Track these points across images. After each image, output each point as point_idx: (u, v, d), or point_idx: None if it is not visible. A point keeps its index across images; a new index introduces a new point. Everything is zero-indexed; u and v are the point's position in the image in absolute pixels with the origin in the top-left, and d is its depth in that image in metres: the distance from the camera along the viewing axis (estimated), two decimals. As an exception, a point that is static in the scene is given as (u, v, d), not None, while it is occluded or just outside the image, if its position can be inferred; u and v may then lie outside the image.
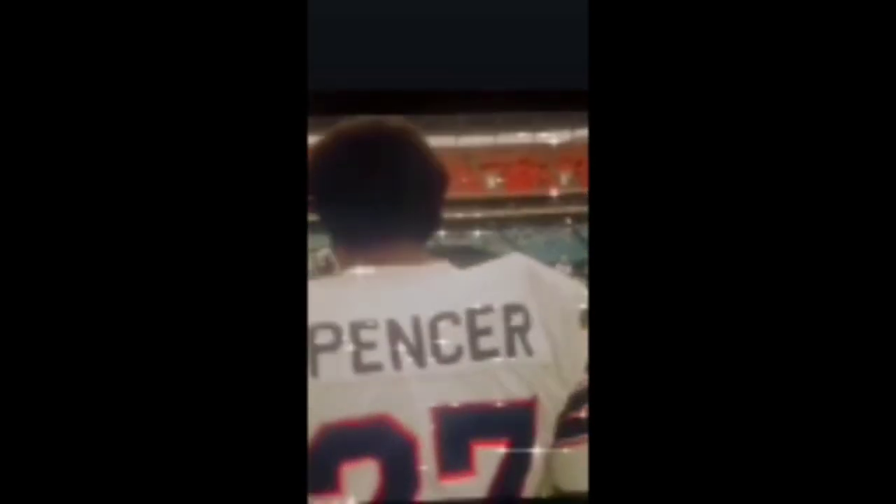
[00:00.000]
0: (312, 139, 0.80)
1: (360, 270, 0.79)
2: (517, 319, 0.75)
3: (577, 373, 0.77)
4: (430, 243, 0.82)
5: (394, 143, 0.82)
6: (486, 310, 0.75)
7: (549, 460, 0.78)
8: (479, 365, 0.74)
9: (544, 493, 0.79)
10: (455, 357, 0.75)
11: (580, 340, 0.76)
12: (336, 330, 0.74)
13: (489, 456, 0.75)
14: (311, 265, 0.81)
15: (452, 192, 0.86)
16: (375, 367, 0.73)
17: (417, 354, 0.74)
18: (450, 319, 0.75)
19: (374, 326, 0.74)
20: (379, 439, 0.73)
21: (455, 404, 0.74)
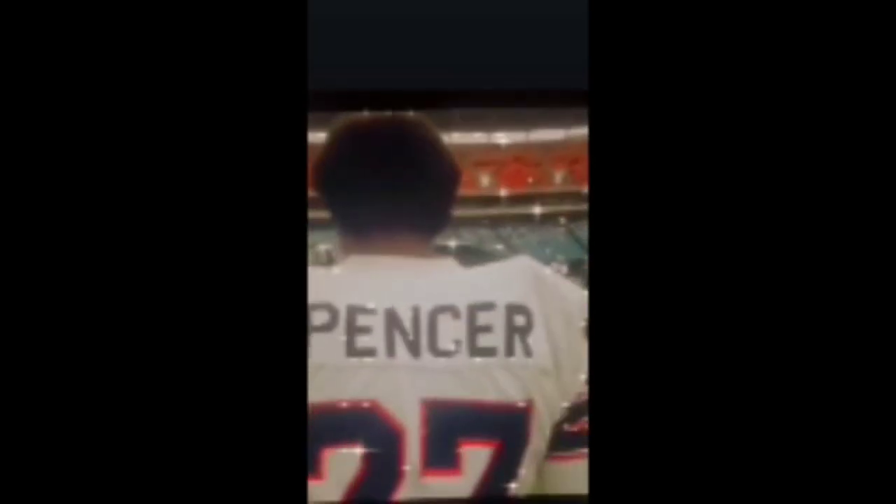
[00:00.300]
0: (313, 136, 0.80)
1: (365, 258, 0.78)
2: (519, 320, 0.74)
3: (577, 382, 0.75)
4: (437, 239, 0.81)
5: (408, 137, 0.81)
6: (489, 307, 0.74)
7: (540, 470, 0.76)
8: (475, 361, 0.73)
9: (533, 500, 0.77)
10: (452, 351, 0.73)
11: (583, 349, 0.75)
12: (332, 311, 0.72)
13: (477, 456, 0.73)
14: (311, 261, 0.80)
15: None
16: (368, 352, 0.72)
17: (413, 344, 0.72)
18: (450, 313, 0.74)
19: (372, 312, 0.73)
20: (365, 426, 0.71)
21: (446, 399, 0.72)
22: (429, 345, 0.73)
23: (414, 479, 0.72)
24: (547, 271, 0.79)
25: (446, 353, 0.73)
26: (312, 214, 0.78)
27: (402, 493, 0.72)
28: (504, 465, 0.74)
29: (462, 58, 0.91)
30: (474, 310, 0.74)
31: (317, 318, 0.72)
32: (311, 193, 0.79)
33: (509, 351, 0.73)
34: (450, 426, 0.72)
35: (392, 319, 0.73)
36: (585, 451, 0.75)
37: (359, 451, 0.71)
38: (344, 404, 0.71)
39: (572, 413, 0.76)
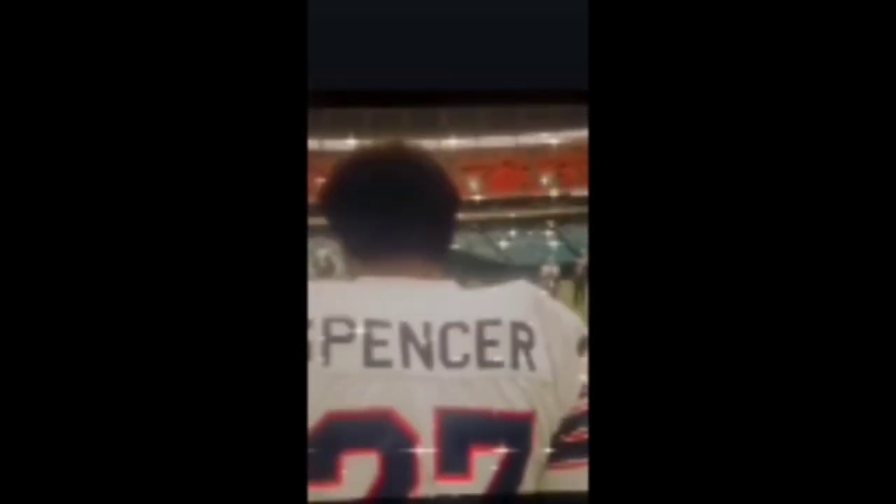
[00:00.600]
0: (313, 137, 0.81)
1: (377, 279, 0.82)
2: (523, 336, 0.78)
3: (572, 396, 0.79)
4: (443, 262, 0.85)
5: (413, 166, 0.86)
6: (495, 322, 0.78)
7: (540, 476, 0.80)
8: (483, 373, 0.77)
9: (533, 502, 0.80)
10: (462, 363, 0.77)
11: (577, 366, 0.79)
12: (351, 324, 0.76)
13: (487, 462, 0.77)
14: (311, 265, 0.82)
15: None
16: (385, 363, 0.76)
17: (426, 356, 0.76)
18: (459, 328, 0.78)
19: (387, 325, 0.77)
20: (381, 433, 0.75)
21: (457, 407, 0.76)
22: (441, 357, 0.77)
23: (428, 483, 0.76)
24: (543, 295, 0.83)
25: (457, 365, 0.77)
26: (312, 221, 0.81)
27: (418, 496, 0.76)
28: (511, 472, 0.78)
29: (462, 58, 0.92)
30: (482, 325, 0.78)
31: (336, 330, 0.76)
32: (312, 199, 0.82)
33: (514, 364, 0.77)
34: (461, 434, 0.76)
35: (406, 333, 0.77)
36: (581, 460, 0.79)
37: (376, 455, 0.75)
38: (361, 412, 0.75)
39: (567, 425, 0.80)
